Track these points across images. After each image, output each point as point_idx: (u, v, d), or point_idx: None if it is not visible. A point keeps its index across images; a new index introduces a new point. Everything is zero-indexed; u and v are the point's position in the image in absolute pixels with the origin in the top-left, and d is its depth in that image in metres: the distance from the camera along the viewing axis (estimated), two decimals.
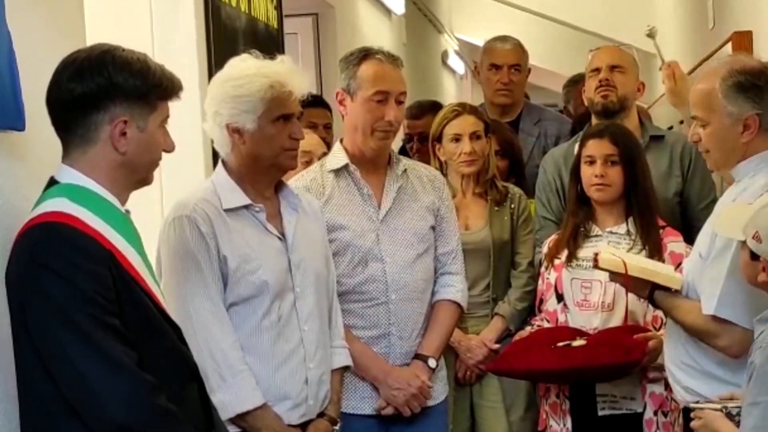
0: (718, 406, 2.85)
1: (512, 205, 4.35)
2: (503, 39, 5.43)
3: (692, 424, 2.92)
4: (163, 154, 2.61)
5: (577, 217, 3.92)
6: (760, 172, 3.10)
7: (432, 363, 3.72)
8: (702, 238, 3.24)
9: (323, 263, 3.37)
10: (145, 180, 2.60)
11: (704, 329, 3.11)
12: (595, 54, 4.58)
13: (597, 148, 3.87)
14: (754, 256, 2.78)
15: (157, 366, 2.43)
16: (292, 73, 3.21)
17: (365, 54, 3.71)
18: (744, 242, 2.82)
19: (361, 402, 3.70)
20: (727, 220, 2.97)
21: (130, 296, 2.42)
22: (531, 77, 5.45)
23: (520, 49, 5.36)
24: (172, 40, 4.22)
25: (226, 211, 3.18)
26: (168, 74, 2.56)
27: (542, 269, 3.99)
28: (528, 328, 3.99)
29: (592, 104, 4.48)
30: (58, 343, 2.33)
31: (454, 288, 3.81)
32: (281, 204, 3.30)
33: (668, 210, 4.18)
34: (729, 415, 2.79)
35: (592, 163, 3.87)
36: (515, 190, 4.43)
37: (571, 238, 3.90)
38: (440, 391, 3.81)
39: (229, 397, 3.08)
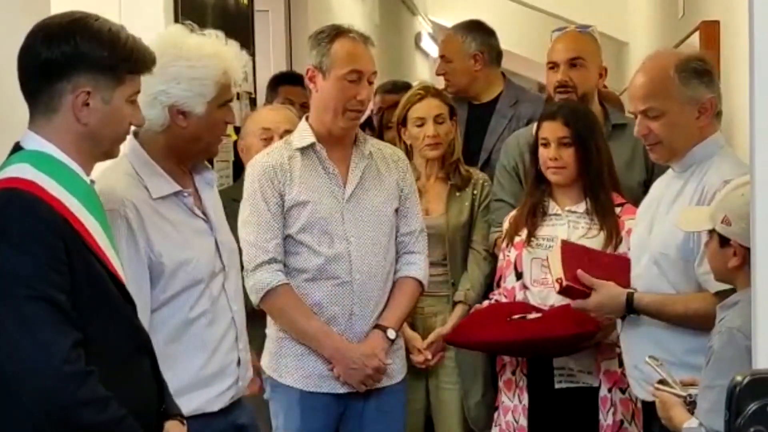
0: (683, 393, 2.84)
1: (474, 191, 4.34)
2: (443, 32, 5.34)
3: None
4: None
5: (534, 197, 3.93)
6: (707, 159, 3.19)
7: (391, 334, 3.72)
8: (666, 238, 3.23)
9: (233, 237, 3.30)
10: (109, 153, 2.58)
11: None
12: (552, 45, 4.43)
13: (550, 130, 3.89)
14: (724, 243, 2.79)
15: (107, 337, 2.43)
16: (237, 56, 3.11)
17: (338, 32, 3.68)
18: (711, 232, 2.83)
19: (319, 380, 3.70)
20: (689, 217, 2.99)
21: (85, 266, 2.39)
22: (505, 63, 5.35)
23: (448, 38, 5.18)
24: (140, 14, 4.19)
25: (156, 200, 3.03)
26: (141, 48, 2.52)
27: (503, 245, 4.00)
28: (486, 303, 4.01)
29: (551, 99, 4.42)
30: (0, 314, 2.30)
31: (417, 266, 3.82)
32: (196, 181, 3.17)
33: (633, 200, 4.16)
34: (693, 404, 2.78)
35: (546, 145, 3.89)
36: (479, 175, 4.41)
37: (530, 217, 3.91)
38: (398, 371, 3.82)
39: None
